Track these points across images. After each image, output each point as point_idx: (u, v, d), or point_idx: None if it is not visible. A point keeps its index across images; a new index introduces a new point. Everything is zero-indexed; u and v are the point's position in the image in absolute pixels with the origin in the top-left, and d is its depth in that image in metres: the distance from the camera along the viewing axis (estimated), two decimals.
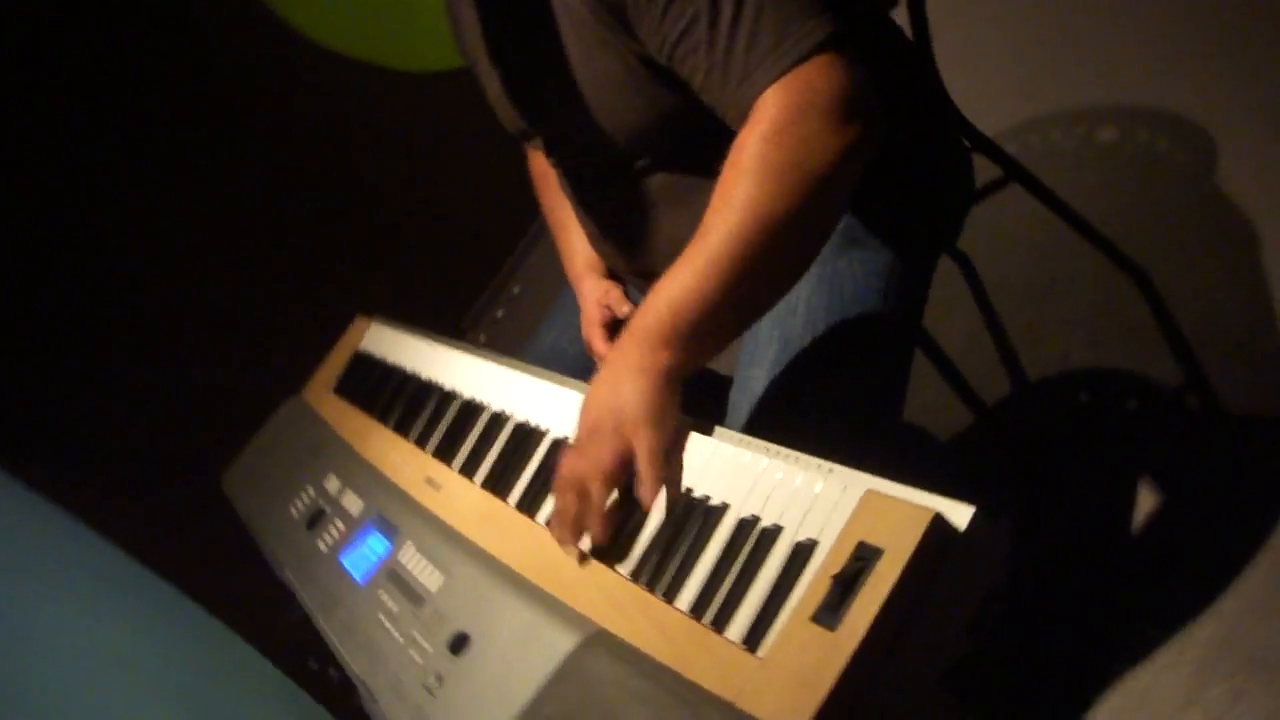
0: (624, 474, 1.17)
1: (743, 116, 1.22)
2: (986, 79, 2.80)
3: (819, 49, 1.19)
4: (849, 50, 1.21)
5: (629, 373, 1.19)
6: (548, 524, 1.25)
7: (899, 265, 1.52)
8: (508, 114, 1.64)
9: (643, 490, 1.16)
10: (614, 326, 1.72)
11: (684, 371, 1.21)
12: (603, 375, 1.23)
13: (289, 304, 3.72)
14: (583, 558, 1.18)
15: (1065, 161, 2.51)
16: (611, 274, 1.79)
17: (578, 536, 1.19)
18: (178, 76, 3.55)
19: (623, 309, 1.71)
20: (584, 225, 1.71)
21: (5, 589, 1.12)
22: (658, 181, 1.49)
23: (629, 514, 1.19)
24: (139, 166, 3.50)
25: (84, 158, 3.38)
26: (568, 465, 1.21)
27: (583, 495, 1.18)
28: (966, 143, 1.73)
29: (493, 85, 1.63)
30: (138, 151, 3.50)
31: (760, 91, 1.20)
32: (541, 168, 1.91)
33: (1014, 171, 1.80)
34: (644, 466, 1.16)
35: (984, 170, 1.73)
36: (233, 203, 3.70)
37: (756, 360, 1.46)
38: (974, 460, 2.13)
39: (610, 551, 1.18)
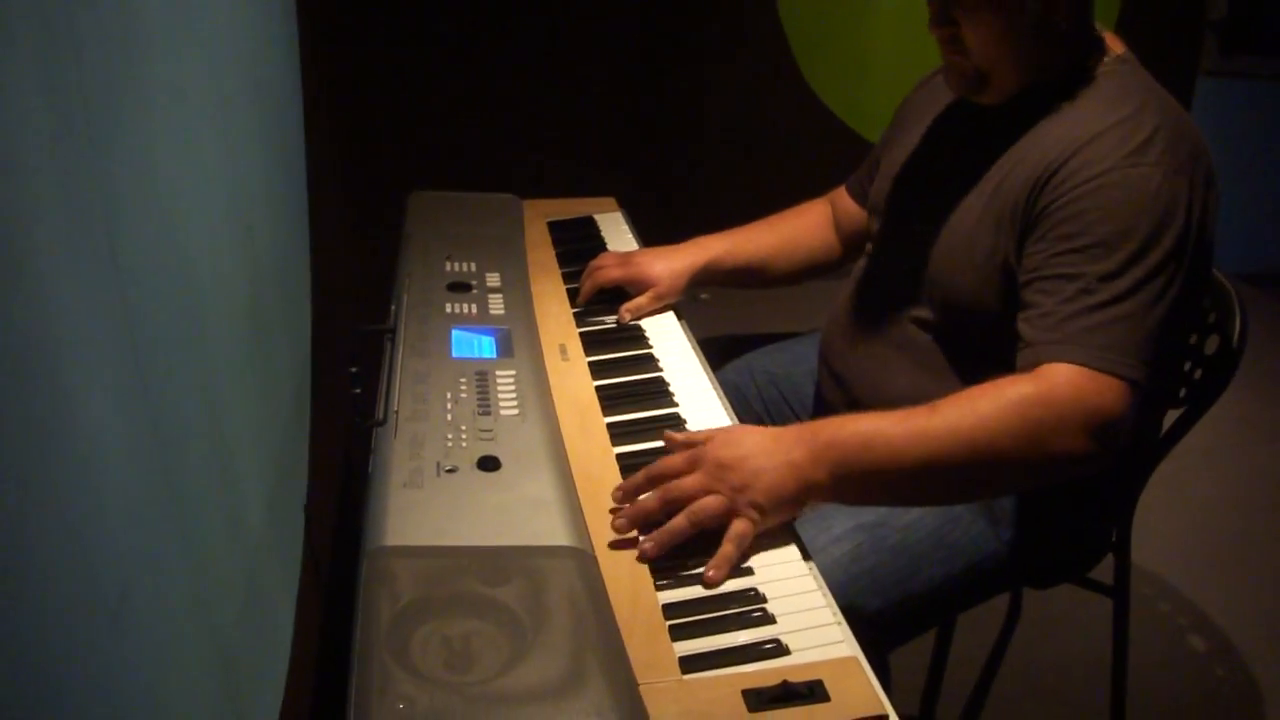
0: (711, 526, 1.26)
1: (1036, 358, 1.38)
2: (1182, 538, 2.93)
3: (1126, 380, 1.35)
4: (1138, 398, 1.36)
5: (787, 460, 1.30)
6: (616, 490, 1.33)
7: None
8: (879, 189, 1.79)
9: (715, 568, 1.23)
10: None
11: (820, 497, 1.33)
12: (767, 436, 1.34)
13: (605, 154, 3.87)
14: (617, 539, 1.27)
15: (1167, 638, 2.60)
16: (702, 278, 1.91)
17: (633, 527, 1.28)
18: None
19: (628, 313, 1.82)
20: (834, 312, 1.84)
21: None
22: (920, 339, 1.63)
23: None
24: None
25: None
26: (680, 472, 1.30)
27: (666, 507, 1.27)
28: (1113, 538, 1.82)
29: (891, 158, 1.79)
30: None
31: (1061, 359, 1.36)
32: (815, 210, 2.05)
33: (1118, 595, 1.88)
34: (730, 546, 1.24)
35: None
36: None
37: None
38: None
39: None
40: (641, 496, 1.31)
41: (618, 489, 1.32)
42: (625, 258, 1.91)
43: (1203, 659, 2.54)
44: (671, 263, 1.88)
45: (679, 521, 1.25)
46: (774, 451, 1.31)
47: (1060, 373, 1.35)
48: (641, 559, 1.24)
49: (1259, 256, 4.48)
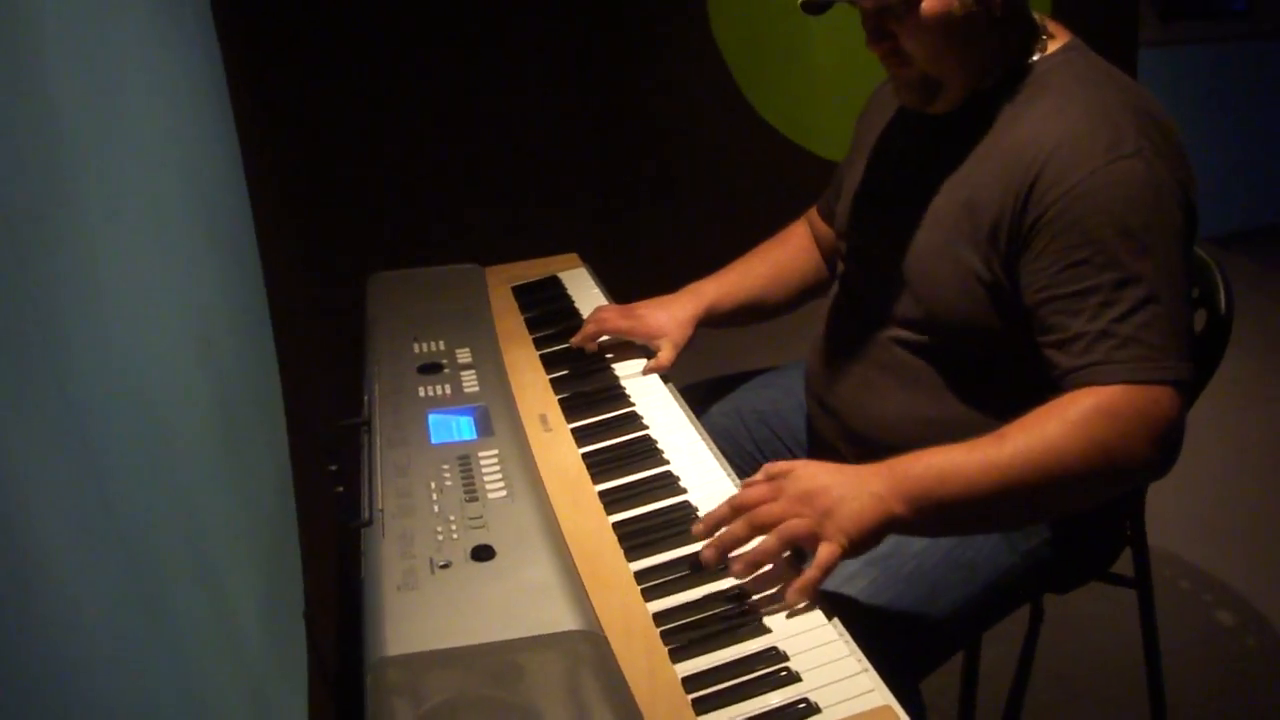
0: (791, 548, 1.27)
1: (1076, 384, 1.35)
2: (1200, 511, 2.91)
3: (1175, 384, 1.33)
4: (1187, 398, 1.35)
5: (868, 491, 1.30)
6: (697, 523, 1.33)
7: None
8: (842, 210, 1.76)
9: (799, 587, 1.24)
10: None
11: (899, 529, 1.32)
12: (844, 470, 1.33)
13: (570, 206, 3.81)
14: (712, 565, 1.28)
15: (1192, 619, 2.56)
16: (705, 322, 1.87)
17: (722, 557, 1.28)
18: None
19: (653, 372, 1.78)
20: (815, 341, 1.79)
21: None
22: (905, 359, 1.59)
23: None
24: None
25: None
26: (765, 498, 1.30)
27: (754, 531, 1.28)
28: (1128, 530, 1.78)
29: (852, 176, 1.75)
30: None
31: (1111, 379, 1.33)
32: (798, 233, 2.01)
33: (1141, 586, 1.84)
34: (816, 570, 1.24)
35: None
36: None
37: None
38: None
39: (661, 584, 1.27)
40: (715, 514, 1.32)
41: (699, 522, 1.32)
42: (627, 310, 1.87)
43: (1233, 632, 2.50)
44: (674, 312, 1.85)
45: (769, 541, 1.26)
46: (854, 483, 1.31)
47: (1114, 391, 1.33)
48: (735, 577, 1.26)
49: (1222, 218, 4.47)
